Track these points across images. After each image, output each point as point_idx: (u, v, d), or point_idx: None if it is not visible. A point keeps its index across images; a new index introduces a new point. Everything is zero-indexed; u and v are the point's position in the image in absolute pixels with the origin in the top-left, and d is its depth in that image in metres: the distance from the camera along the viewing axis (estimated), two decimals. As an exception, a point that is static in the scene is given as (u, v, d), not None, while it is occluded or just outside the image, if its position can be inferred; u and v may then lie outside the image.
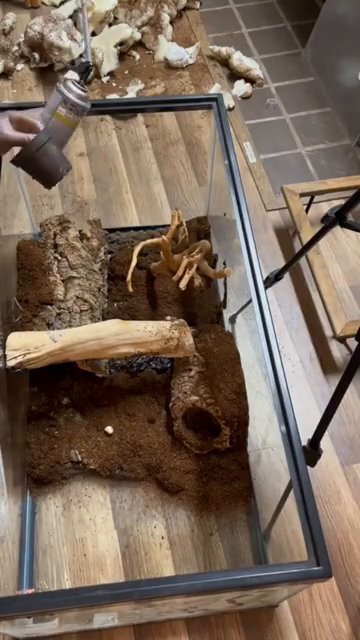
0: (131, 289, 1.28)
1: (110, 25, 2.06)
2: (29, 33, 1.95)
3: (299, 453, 0.85)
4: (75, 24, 2.01)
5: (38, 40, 1.94)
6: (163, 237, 1.28)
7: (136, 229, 1.57)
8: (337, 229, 1.29)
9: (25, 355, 1.10)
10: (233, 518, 1.19)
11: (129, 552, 1.16)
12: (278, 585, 0.84)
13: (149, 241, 1.31)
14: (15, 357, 1.10)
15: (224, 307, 1.42)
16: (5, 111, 0.99)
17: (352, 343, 1.34)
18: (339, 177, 1.72)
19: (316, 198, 1.62)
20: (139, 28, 2.08)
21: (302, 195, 1.61)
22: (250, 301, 1.01)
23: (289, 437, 0.87)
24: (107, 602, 0.77)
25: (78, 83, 1.03)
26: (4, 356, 1.11)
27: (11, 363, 1.10)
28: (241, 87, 1.99)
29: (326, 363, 1.43)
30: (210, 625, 1.10)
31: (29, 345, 1.11)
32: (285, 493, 0.92)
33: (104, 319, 1.32)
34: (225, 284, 1.41)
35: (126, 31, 2.02)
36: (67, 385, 1.26)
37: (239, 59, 2.02)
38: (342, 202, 1.23)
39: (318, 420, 1.09)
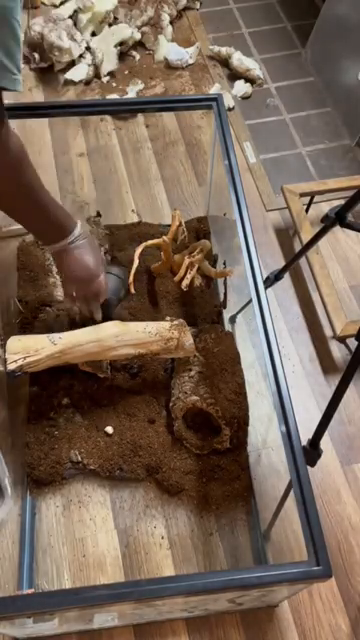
0: (133, 290, 1.28)
1: (110, 25, 2.06)
2: (29, 33, 1.95)
3: (299, 453, 0.85)
4: (75, 24, 2.01)
5: (38, 40, 1.94)
6: (164, 238, 1.28)
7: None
8: (337, 229, 1.29)
9: (25, 359, 1.10)
10: (233, 518, 1.19)
11: (129, 552, 1.16)
12: (278, 585, 0.84)
13: (150, 242, 1.31)
14: (15, 361, 1.10)
15: (224, 307, 1.42)
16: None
17: (352, 343, 1.34)
18: (339, 177, 1.72)
19: (316, 198, 1.62)
20: (139, 28, 2.08)
21: (302, 195, 1.61)
22: (250, 301, 1.01)
23: (289, 437, 0.87)
24: (107, 602, 0.77)
25: None
26: (4, 360, 1.11)
27: (11, 367, 1.10)
28: (241, 87, 1.99)
29: (326, 363, 1.43)
30: (210, 625, 1.10)
31: (29, 348, 1.11)
32: (285, 493, 0.92)
33: (104, 319, 1.32)
34: (225, 284, 1.41)
35: (126, 31, 2.02)
36: (67, 385, 1.26)
37: (239, 59, 2.02)
38: (342, 202, 1.23)
39: (318, 420, 1.09)
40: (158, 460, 1.20)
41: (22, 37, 0.80)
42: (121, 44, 2.03)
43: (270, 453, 1.25)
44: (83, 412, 1.25)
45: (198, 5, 2.25)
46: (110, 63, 2.00)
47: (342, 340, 1.44)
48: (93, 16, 2.02)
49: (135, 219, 1.61)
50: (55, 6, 2.16)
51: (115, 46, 2.01)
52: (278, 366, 0.92)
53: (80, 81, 1.97)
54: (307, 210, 1.60)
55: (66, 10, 2.03)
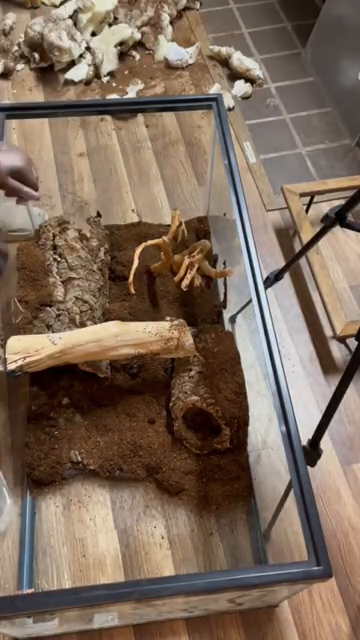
0: (133, 290, 1.28)
1: (110, 25, 2.06)
2: (29, 33, 1.95)
3: (299, 453, 0.85)
4: (75, 24, 2.01)
5: (38, 40, 1.94)
6: (164, 238, 1.28)
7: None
8: (337, 229, 1.29)
9: (25, 358, 1.10)
10: (233, 518, 1.19)
11: (129, 552, 1.16)
12: (278, 585, 0.84)
13: (150, 242, 1.31)
14: (15, 361, 1.10)
15: (224, 307, 1.42)
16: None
17: (352, 343, 1.34)
18: (339, 177, 1.72)
19: (316, 198, 1.62)
20: (139, 28, 2.08)
21: (302, 195, 1.61)
22: (250, 301, 1.01)
23: (289, 437, 0.87)
24: (107, 602, 0.77)
25: None
26: (4, 360, 1.11)
27: (11, 367, 1.10)
28: (241, 87, 1.99)
29: (326, 363, 1.43)
30: (210, 625, 1.10)
31: (29, 348, 1.11)
32: (285, 493, 0.92)
33: (105, 319, 1.32)
34: (225, 284, 1.41)
35: (126, 31, 2.02)
36: (67, 385, 1.26)
37: (239, 59, 2.02)
38: (342, 202, 1.23)
39: (318, 420, 1.09)
40: (158, 460, 1.20)
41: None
42: (121, 44, 2.03)
43: (270, 453, 1.25)
44: (83, 412, 1.26)
45: (198, 5, 2.25)
46: (110, 63, 2.00)
47: (342, 340, 1.44)
48: (93, 16, 2.02)
49: (135, 219, 1.61)
50: (55, 6, 2.16)
51: (115, 46, 2.01)
52: (278, 366, 0.92)
53: (80, 81, 1.97)
54: (307, 210, 1.60)
55: (66, 10, 2.03)
